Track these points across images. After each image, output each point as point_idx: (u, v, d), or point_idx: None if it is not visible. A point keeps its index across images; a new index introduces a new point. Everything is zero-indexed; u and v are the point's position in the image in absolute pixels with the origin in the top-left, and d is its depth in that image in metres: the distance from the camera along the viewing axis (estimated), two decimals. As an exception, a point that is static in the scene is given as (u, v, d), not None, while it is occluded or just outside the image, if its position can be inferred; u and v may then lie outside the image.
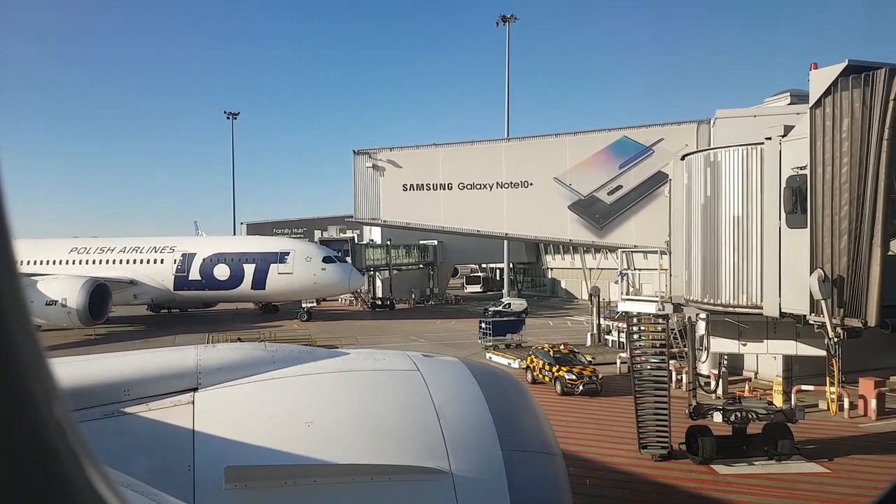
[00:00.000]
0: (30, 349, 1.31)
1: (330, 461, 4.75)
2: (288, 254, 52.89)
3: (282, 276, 52.43)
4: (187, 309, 62.13)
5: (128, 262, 55.06)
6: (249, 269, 53.09)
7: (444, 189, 27.95)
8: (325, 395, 5.37)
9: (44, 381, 1.34)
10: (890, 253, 14.16)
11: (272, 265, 52.63)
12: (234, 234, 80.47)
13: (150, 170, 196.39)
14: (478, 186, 27.47)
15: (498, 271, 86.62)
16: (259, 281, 52.97)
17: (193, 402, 5.01)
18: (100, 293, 45.77)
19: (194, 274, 53.86)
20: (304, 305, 56.10)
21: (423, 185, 28.31)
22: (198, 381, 5.18)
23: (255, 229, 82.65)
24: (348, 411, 5.24)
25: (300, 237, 70.94)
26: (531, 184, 26.69)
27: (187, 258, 54.17)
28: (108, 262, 55.21)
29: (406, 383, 5.51)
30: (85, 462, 1.39)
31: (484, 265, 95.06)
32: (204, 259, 53.96)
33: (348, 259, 57.62)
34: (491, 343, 37.75)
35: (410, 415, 5.24)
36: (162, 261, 54.61)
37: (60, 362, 5.18)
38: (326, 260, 52.67)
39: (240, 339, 28.44)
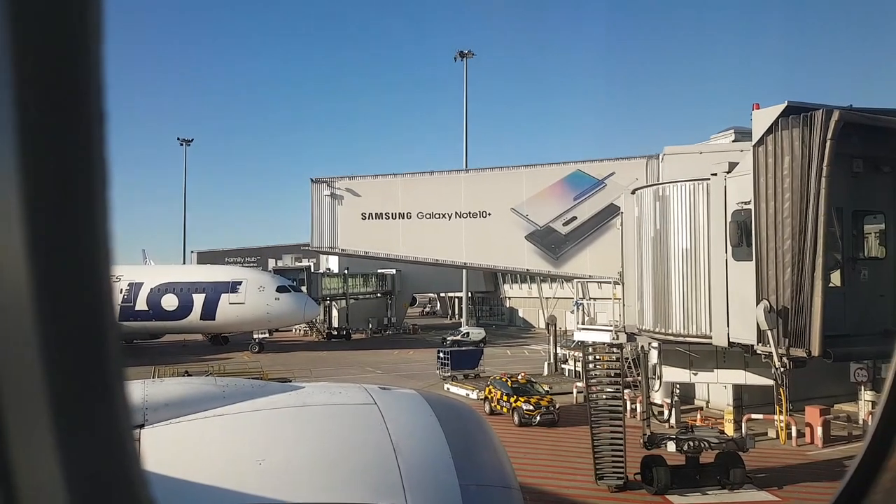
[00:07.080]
0: (116, 364, 1.42)
1: (283, 500, 4.65)
2: (240, 283, 51.92)
3: (233, 307, 51.32)
4: (132, 340, 60.06)
5: (72, 291, 53.36)
6: (199, 299, 51.86)
7: (404, 218, 27.93)
8: (277, 431, 5.28)
9: (125, 394, 1.48)
10: (830, 285, 14.67)
11: (223, 295, 51.52)
12: (184, 263, 78.70)
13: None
14: (437, 216, 27.54)
15: (456, 300, 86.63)
16: (209, 311, 51.76)
17: (139, 440, 4.87)
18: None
19: (141, 304, 52.18)
20: (255, 336, 54.54)
21: (381, 213, 28.23)
22: (144, 418, 5.03)
23: (207, 258, 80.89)
24: (302, 448, 5.16)
25: (253, 266, 69.85)
26: (489, 214, 26.89)
27: (134, 287, 52.44)
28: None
29: (362, 418, 5.45)
30: (143, 474, 1.62)
31: (443, 294, 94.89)
32: (151, 289, 52.53)
33: (303, 288, 56.88)
34: (449, 374, 37.60)
35: (366, 450, 5.18)
36: (108, 290, 53.07)
37: None
38: (280, 289, 51.86)
39: (187, 373, 27.67)
